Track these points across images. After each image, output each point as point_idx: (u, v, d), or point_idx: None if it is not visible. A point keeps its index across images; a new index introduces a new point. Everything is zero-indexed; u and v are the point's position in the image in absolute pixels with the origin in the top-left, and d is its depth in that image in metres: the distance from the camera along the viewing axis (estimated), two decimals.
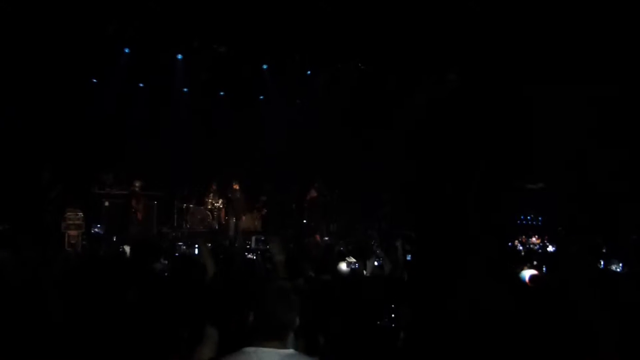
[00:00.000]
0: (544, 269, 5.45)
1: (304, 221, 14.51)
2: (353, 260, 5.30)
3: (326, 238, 13.17)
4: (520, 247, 9.90)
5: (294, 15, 10.85)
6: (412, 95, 13.38)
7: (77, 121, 12.85)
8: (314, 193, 13.97)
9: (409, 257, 7.05)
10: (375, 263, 5.86)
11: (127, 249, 7.64)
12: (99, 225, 7.35)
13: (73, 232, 11.36)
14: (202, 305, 2.87)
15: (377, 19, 10.82)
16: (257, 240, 6.85)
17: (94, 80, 13.55)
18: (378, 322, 3.23)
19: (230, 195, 14.13)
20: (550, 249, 10.14)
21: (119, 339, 2.54)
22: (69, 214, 11.71)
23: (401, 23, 10.90)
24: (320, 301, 3.29)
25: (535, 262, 5.71)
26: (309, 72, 14.51)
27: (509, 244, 9.59)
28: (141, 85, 14.32)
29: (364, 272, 5.78)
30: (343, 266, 5.18)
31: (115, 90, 13.44)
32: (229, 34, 12.08)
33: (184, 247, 6.20)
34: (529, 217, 12.96)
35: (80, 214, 11.87)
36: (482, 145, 12.11)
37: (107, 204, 12.53)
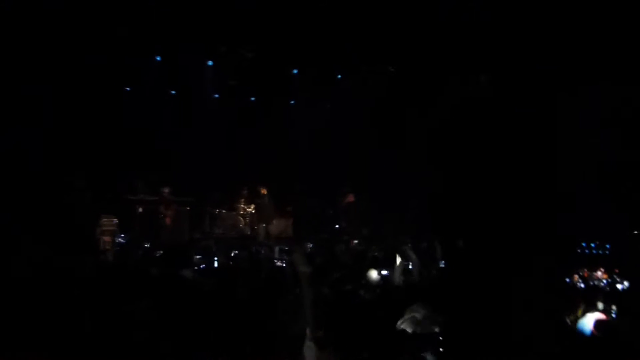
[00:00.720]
0: (612, 312, 4.49)
1: (337, 226, 14.37)
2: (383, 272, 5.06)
3: (355, 241, 12.98)
4: (582, 284, 7.58)
5: (322, 19, 10.78)
6: (441, 96, 13.12)
7: (110, 128, 13.06)
8: (351, 197, 13.79)
9: (442, 263, 6.83)
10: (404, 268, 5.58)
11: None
12: (122, 235, 7.40)
13: (107, 238, 11.54)
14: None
15: (405, 21, 10.66)
16: (280, 251, 6.64)
17: (127, 88, 13.77)
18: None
19: (259, 201, 14.08)
20: (620, 286, 7.61)
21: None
22: (103, 220, 11.93)
23: (429, 24, 10.72)
24: (342, 312, 3.16)
25: (601, 304, 4.67)
26: (339, 76, 14.43)
27: (566, 279, 7.49)
28: (173, 92, 14.48)
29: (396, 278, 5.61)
30: (374, 274, 4.97)
31: (147, 98, 13.65)
32: (257, 39, 12.10)
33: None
34: (592, 245, 10.26)
35: (115, 220, 12.08)
36: (520, 150, 11.73)
37: (140, 210, 12.67)
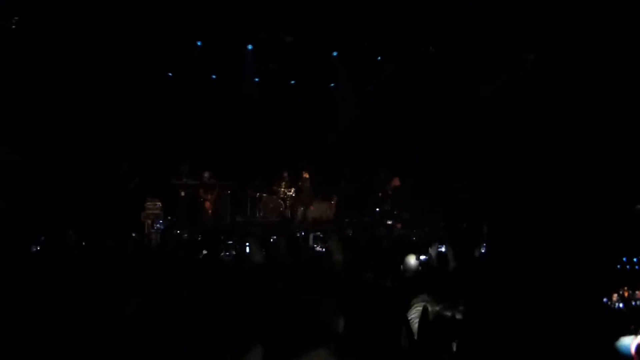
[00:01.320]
0: None
1: (377, 209, 14.25)
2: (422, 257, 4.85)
3: (399, 226, 12.85)
4: (621, 305, 6.62)
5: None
6: (487, 78, 12.72)
7: (153, 113, 13.32)
8: (397, 181, 13.62)
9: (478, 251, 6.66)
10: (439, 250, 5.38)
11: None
12: (160, 222, 7.52)
13: (151, 222, 11.82)
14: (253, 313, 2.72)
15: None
16: (315, 238, 6.50)
17: (169, 74, 13.96)
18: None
19: (300, 184, 14.09)
20: None
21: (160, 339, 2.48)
22: (148, 204, 12.22)
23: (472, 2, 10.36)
24: (376, 301, 3.09)
25: None
26: (379, 58, 14.21)
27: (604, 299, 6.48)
28: (213, 77, 14.60)
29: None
30: (412, 260, 4.74)
31: (189, 83, 13.83)
32: (296, 22, 12.01)
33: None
34: (635, 260, 8.72)
35: (159, 203, 12.35)
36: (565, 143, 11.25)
37: (183, 194, 12.90)
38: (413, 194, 14.01)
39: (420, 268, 4.97)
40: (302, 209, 13.47)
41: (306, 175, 13.82)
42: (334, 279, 3.13)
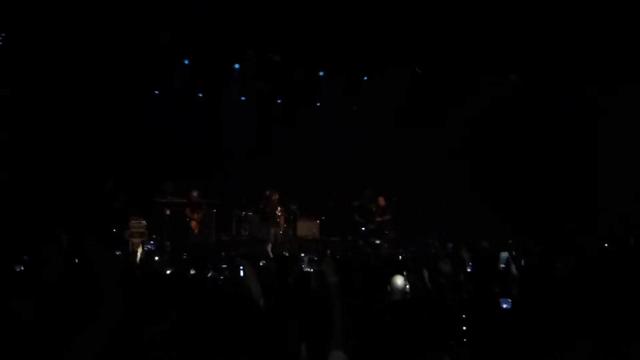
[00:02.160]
0: None
1: (362, 229, 14.25)
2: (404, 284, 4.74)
3: (386, 245, 12.83)
4: None
5: (347, 21, 10.71)
6: (470, 96, 12.93)
7: (139, 131, 13.24)
8: (382, 201, 13.61)
9: (469, 269, 6.68)
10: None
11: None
12: (152, 242, 7.43)
13: (136, 240, 11.65)
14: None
15: (431, 21, 10.52)
16: (310, 261, 6.43)
17: (156, 92, 13.93)
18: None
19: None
20: None
21: None
22: (132, 222, 12.06)
23: (457, 24, 10.55)
24: (370, 320, 3.07)
25: None
26: (365, 78, 14.36)
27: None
28: (200, 95, 14.60)
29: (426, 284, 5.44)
30: (399, 281, 4.68)
31: (175, 101, 13.83)
32: (283, 42, 12.11)
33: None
34: None
35: (144, 222, 12.18)
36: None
37: (168, 212, 12.76)
38: (399, 212, 14.07)
39: (407, 289, 4.92)
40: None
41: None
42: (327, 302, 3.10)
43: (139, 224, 12.07)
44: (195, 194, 12.90)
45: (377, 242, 12.84)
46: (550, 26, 10.11)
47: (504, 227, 11.17)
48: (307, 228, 14.17)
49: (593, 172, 11.22)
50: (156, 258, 8.77)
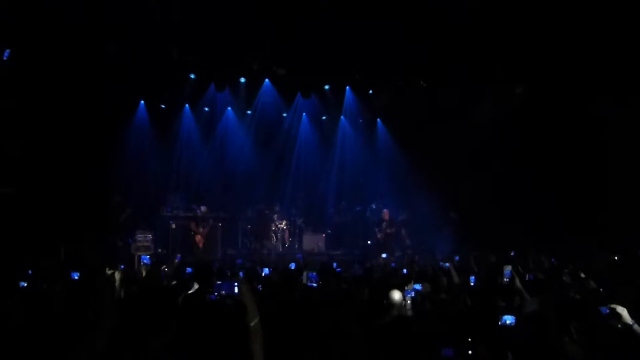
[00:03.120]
0: None
1: (369, 242, 14.20)
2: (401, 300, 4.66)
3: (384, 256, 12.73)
4: None
5: (352, 35, 10.75)
6: (476, 109, 12.92)
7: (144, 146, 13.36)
8: (387, 215, 13.59)
9: (472, 279, 6.61)
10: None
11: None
12: (147, 257, 7.43)
13: (142, 254, 11.66)
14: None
15: (434, 34, 10.55)
16: (309, 277, 6.30)
17: (162, 107, 14.02)
18: None
19: (293, 217, 14.13)
20: None
21: None
22: (138, 236, 12.10)
23: (464, 36, 10.57)
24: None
25: None
26: (370, 92, 14.41)
27: None
28: (206, 109, 14.69)
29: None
30: (396, 296, 4.61)
31: (182, 115, 13.99)
32: (288, 56, 12.18)
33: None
34: None
35: (150, 236, 12.23)
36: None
37: (173, 226, 12.80)
38: (406, 227, 14.01)
39: (404, 304, 4.83)
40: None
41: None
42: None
43: (145, 238, 12.13)
44: (202, 209, 12.95)
45: (384, 256, 12.75)
46: (560, 34, 10.10)
47: (512, 240, 11.08)
48: (313, 242, 14.12)
49: (603, 185, 11.15)
50: (165, 268, 8.80)
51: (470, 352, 3.41)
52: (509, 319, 4.22)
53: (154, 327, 2.75)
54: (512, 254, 10.14)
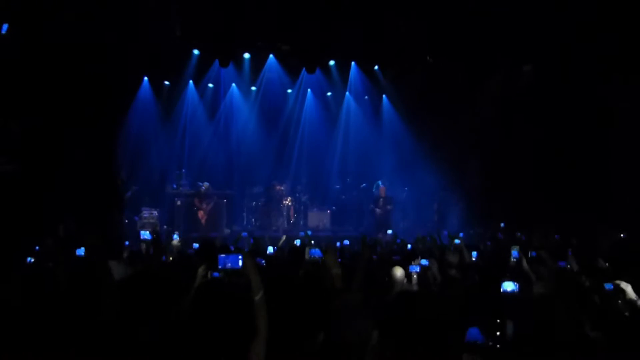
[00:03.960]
0: None
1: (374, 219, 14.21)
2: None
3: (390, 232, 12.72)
4: None
5: (358, 11, 10.61)
6: (483, 88, 12.77)
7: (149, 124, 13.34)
8: (383, 192, 13.57)
9: (474, 254, 6.61)
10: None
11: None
12: (147, 233, 7.42)
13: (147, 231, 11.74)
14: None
15: (444, 11, 10.39)
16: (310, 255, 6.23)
17: (166, 83, 13.91)
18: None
19: (297, 194, 14.13)
20: None
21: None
22: (144, 212, 12.18)
23: (470, 14, 10.40)
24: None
25: None
26: (376, 67, 14.26)
27: None
28: (210, 85, 14.59)
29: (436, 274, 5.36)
30: (398, 273, 4.54)
31: (186, 91, 13.92)
32: (293, 31, 12.02)
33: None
34: None
35: (155, 212, 12.30)
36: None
37: (178, 203, 12.84)
38: (408, 203, 14.02)
39: (405, 281, 4.81)
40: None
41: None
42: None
43: (151, 214, 12.21)
44: (206, 184, 12.97)
45: (389, 232, 12.76)
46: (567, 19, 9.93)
47: (518, 219, 11.08)
48: (318, 219, 14.13)
49: (606, 162, 11.04)
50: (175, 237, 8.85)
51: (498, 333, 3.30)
52: (509, 286, 4.07)
53: (157, 307, 2.76)
54: (518, 234, 10.11)
